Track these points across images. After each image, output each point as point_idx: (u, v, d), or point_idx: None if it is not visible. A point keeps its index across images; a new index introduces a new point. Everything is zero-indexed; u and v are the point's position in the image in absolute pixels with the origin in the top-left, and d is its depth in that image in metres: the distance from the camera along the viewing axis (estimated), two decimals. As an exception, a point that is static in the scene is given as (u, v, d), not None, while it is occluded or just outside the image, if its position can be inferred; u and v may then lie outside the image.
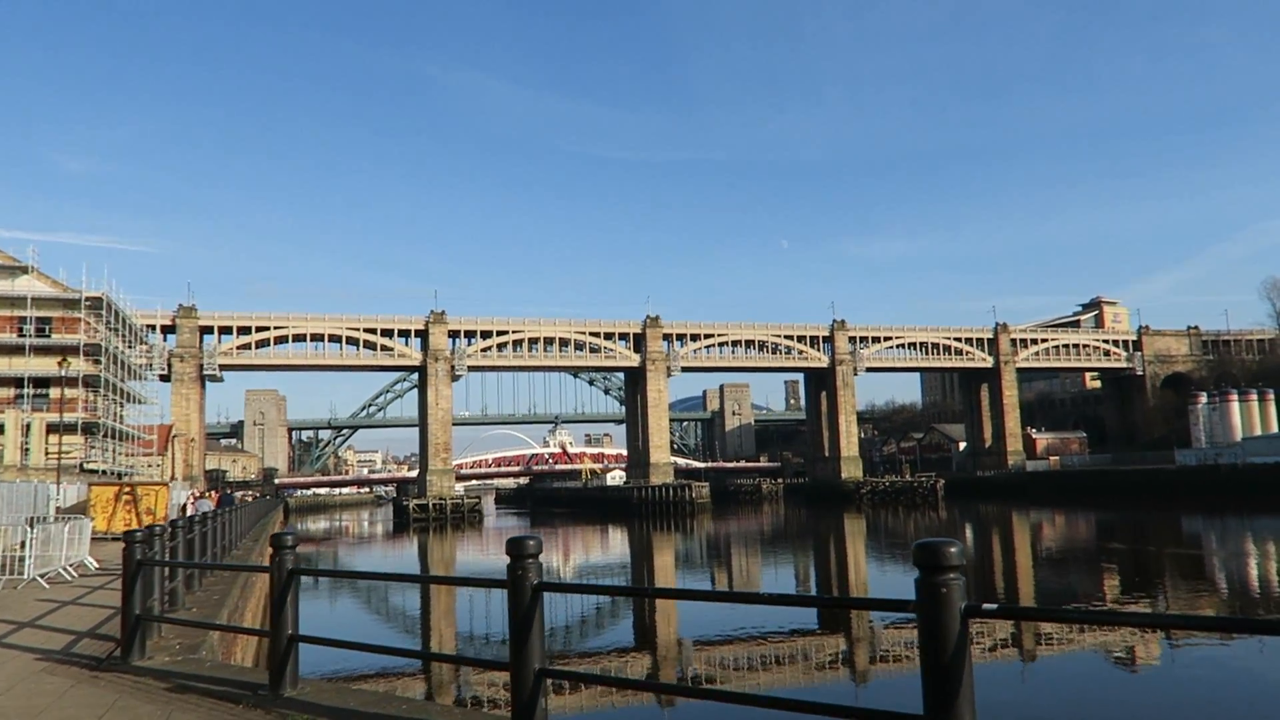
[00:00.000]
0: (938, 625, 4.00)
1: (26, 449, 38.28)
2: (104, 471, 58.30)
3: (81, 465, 57.24)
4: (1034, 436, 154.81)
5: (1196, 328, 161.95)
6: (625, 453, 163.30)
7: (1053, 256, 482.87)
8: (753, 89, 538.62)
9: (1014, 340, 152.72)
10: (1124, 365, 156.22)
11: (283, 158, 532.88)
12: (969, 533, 77.71)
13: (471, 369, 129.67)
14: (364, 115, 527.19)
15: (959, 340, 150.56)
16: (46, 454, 56.38)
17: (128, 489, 28.75)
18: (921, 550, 4.11)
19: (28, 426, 44.57)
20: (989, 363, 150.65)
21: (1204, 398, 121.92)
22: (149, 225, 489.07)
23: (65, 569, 18.85)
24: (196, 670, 8.83)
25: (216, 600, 14.89)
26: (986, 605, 4.13)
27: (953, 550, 4.06)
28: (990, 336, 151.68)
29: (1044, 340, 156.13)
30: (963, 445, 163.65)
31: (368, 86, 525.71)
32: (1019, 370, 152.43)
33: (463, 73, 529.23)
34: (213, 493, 46.74)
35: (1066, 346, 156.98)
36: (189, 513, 25.46)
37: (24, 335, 57.96)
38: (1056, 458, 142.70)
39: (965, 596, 4.06)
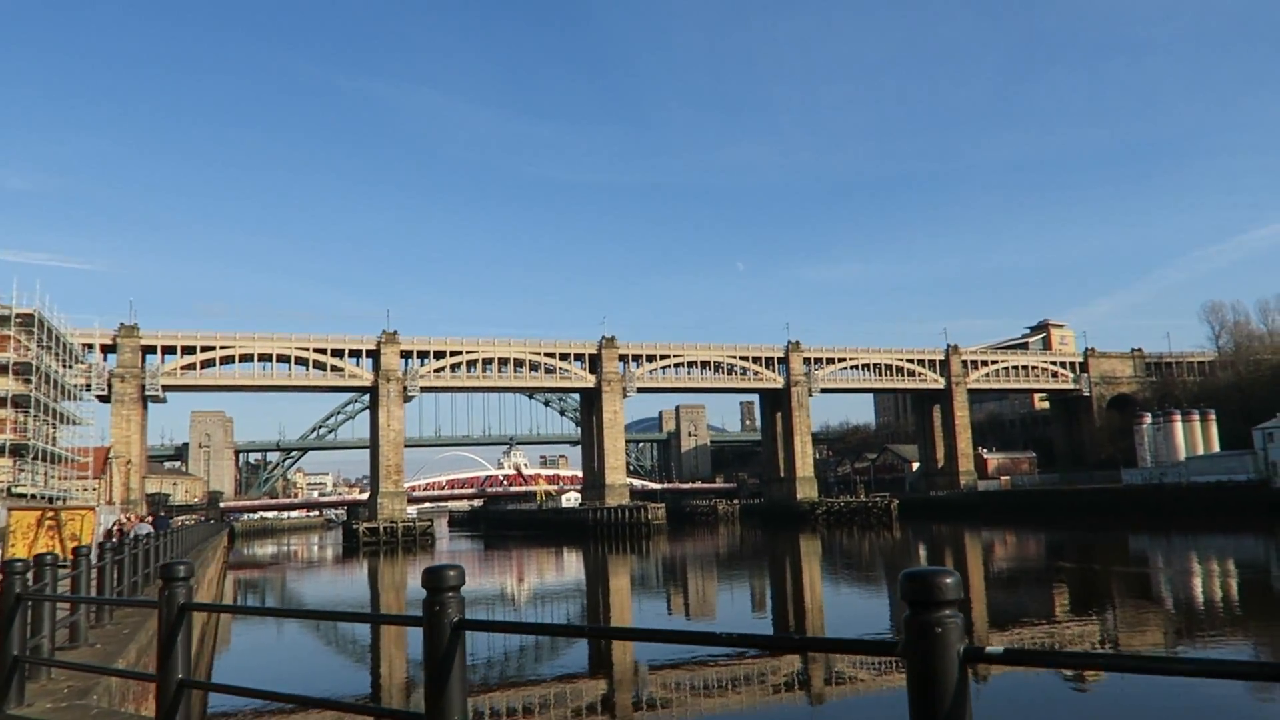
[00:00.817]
0: (931, 672, 3.23)
1: None
2: (34, 496, 55.75)
3: (9, 489, 54.69)
4: (985, 457, 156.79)
5: (1140, 350, 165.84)
6: (581, 474, 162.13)
7: (1001, 280, 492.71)
8: (709, 114, 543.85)
9: (965, 362, 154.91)
10: (1071, 386, 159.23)
11: (233, 176, 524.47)
12: (923, 551, 78.12)
13: (424, 389, 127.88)
14: (317, 135, 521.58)
15: (912, 362, 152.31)
16: (-28, 478, 53.86)
17: (51, 514, 27.01)
18: (911, 582, 3.32)
19: None
20: (941, 384, 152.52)
21: (1149, 418, 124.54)
22: (93, 244, 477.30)
23: None
24: (76, 720, 7.90)
25: (126, 635, 13.30)
26: (990, 649, 3.31)
27: (948, 581, 3.30)
28: (942, 358, 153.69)
29: (994, 362, 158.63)
30: (916, 465, 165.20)
31: (322, 105, 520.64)
32: (970, 391, 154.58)
33: (419, 93, 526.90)
34: (147, 516, 44.99)
35: (1016, 368, 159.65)
36: (119, 538, 23.93)
37: (-52, 353, 55.47)
38: (1007, 477, 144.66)
39: (963, 637, 3.32)
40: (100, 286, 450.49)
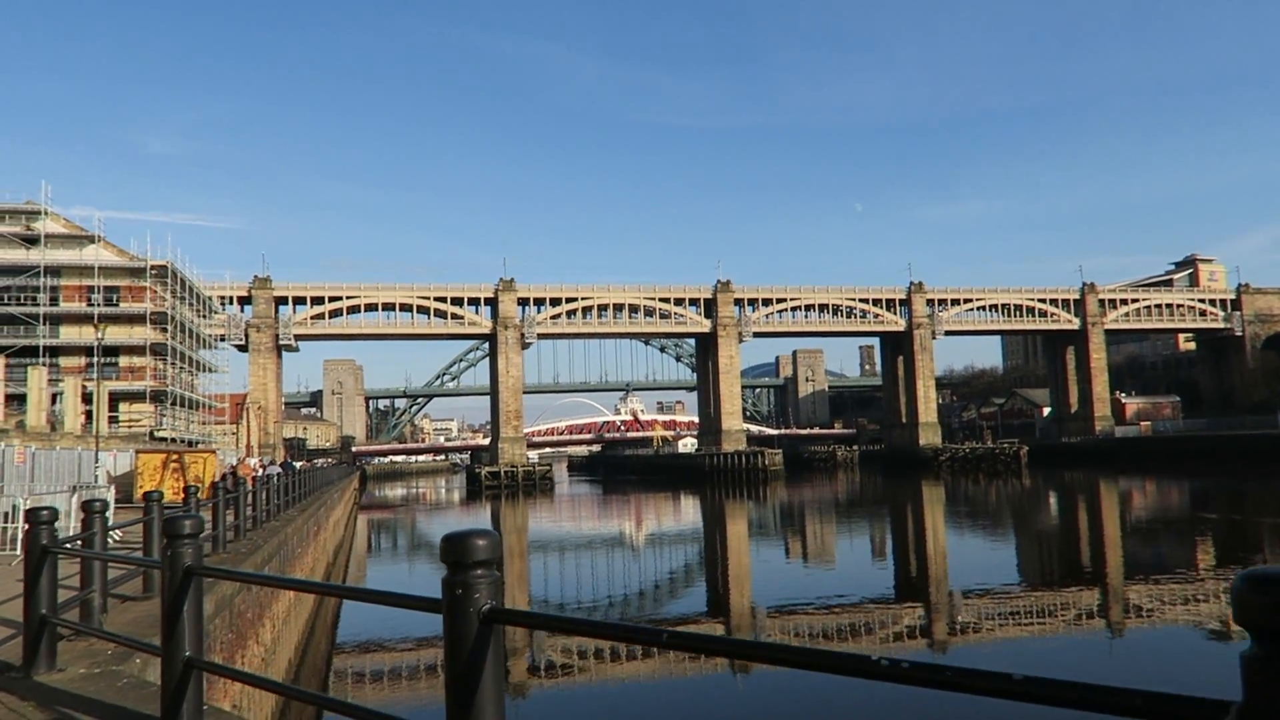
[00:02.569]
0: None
1: (87, 418, 38.82)
2: (174, 439, 59.46)
3: (151, 433, 58.39)
4: (1123, 401, 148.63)
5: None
6: (697, 420, 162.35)
7: (1140, 214, 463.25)
8: (823, 52, 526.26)
9: (1101, 301, 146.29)
10: (1221, 326, 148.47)
11: (354, 133, 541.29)
12: (1053, 500, 74.88)
13: (541, 336, 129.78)
14: (432, 90, 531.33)
15: (1042, 302, 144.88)
16: (117, 421, 57.73)
17: (175, 456, 28.57)
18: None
19: (88, 395, 45.27)
20: (1075, 325, 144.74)
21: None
22: (230, 203, 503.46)
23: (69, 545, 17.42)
24: (97, 691, 6.50)
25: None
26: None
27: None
28: (1076, 297, 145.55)
29: (1134, 301, 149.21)
30: (1047, 411, 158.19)
31: (433, 61, 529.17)
32: (1107, 332, 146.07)
33: (530, 43, 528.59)
34: (270, 461, 47.00)
35: (1158, 307, 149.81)
36: (234, 481, 24.96)
37: (92, 304, 59.26)
38: (1148, 423, 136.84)
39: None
40: (238, 244, 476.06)
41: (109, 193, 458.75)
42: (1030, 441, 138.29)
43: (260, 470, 28.35)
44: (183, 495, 13.63)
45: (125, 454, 32.55)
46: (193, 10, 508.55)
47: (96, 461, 26.23)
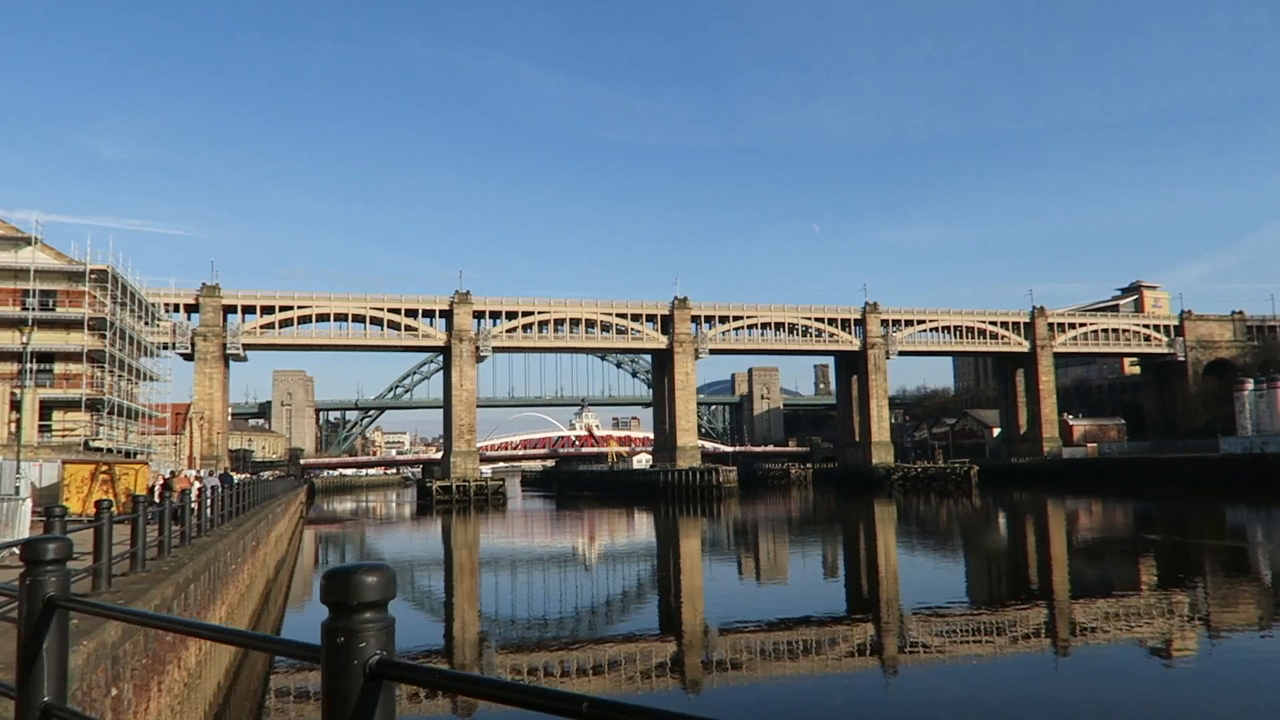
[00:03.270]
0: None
1: (16, 426, 36.81)
2: (111, 450, 57.25)
3: (86, 442, 56.20)
4: (1071, 423, 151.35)
5: (1241, 313, 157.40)
6: (652, 436, 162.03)
7: (1089, 243, 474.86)
8: (784, 75, 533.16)
9: (1051, 325, 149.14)
10: (1165, 351, 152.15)
11: (309, 142, 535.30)
12: (1002, 519, 75.72)
13: (496, 350, 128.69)
14: (392, 101, 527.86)
15: (994, 324, 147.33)
16: (50, 430, 55.39)
17: (105, 467, 27.41)
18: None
19: (17, 402, 43.22)
20: (1025, 347, 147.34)
21: (1250, 384, 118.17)
22: (181, 210, 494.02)
23: None
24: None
25: (121, 602, 10.22)
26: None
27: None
28: (1026, 320, 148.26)
29: (1082, 325, 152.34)
30: (997, 431, 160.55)
31: (397, 73, 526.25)
32: (1056, 355, 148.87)
33: (492, 58, 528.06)
34: (203, 473, 45.45)
35: (1105, 331, 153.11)
36: (162, 494, 23.75)
37: (27, 309, 56.87)
38: (1094, 445, 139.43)
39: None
40: (190, 251, 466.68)
41: (58, 196, 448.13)
42: (981, 461, 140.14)
43: (197, 483, 27.29)
44: (95, 509, 12.55)
45: (53, 464, 31.15)
46: (152, 14, 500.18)
47: (17, 472, 24.87)
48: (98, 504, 11.70)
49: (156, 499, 22.29)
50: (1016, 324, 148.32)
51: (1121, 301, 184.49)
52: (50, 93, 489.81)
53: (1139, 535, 57.92)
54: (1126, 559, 45.77)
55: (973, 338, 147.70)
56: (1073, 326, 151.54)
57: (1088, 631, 26.56)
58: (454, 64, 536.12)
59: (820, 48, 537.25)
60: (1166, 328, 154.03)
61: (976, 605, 32.52)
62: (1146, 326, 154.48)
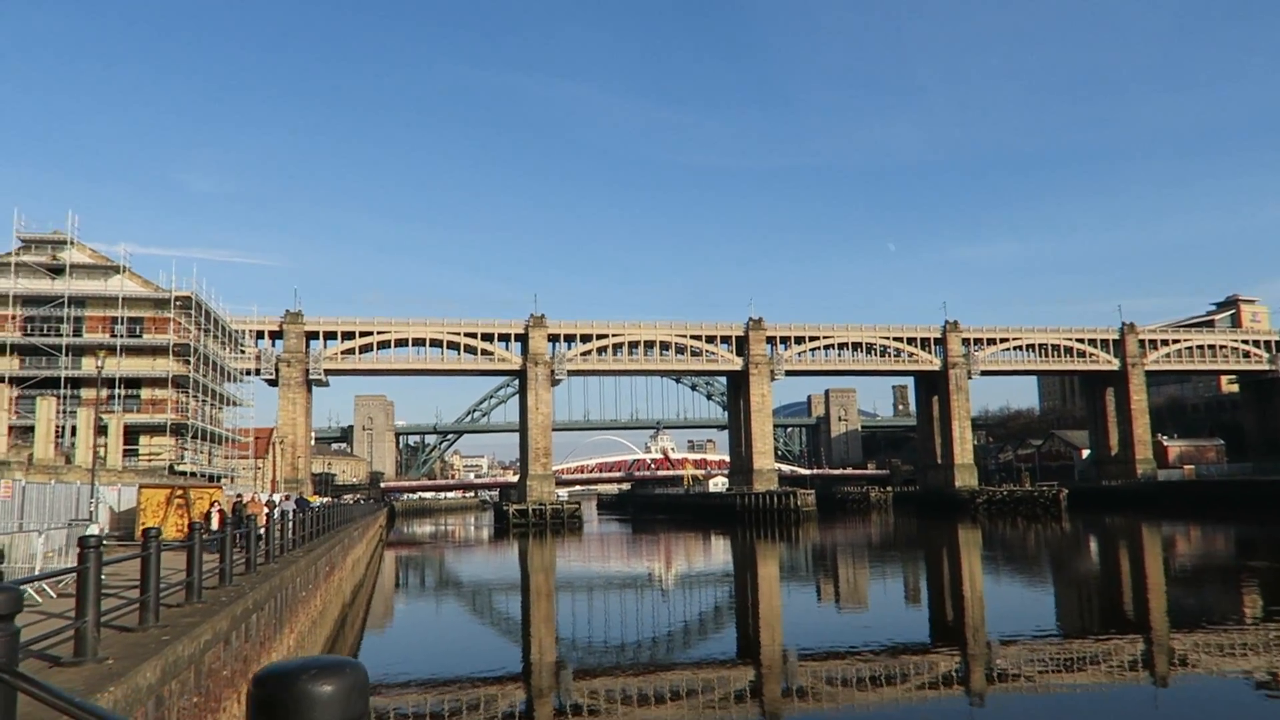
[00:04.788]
0: None
1: (98, 451, 38.03)
2: (195, 474, 59.04)
3: (171, 466, 58.11)
4: (1165, 444, 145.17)
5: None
6: (728, 459, 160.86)
7: (1177, 256, 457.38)
8: (854, 94, 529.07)
9: (1142, 341, 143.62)
10: (1266, 367, 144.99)
11: (389, 171, 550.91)
12: (1094, 545, 72.80)
13: (571, 373, 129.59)
14: (467, 130, 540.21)
15: (1081, 342, 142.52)
16: (136, 455, 57.42)
17: (179, 492, 28.05)
18: None
19: (103, 427, 44.74)
20: (1115, 365, 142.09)
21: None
22: (268, 240, 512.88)
23: (44, 587, 14.09)
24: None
25: (165, 641, 9.60)
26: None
27: None
28: (1115, 338, 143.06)
29: (1175, 341, 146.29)
30: (1086, 453, 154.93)
31: (470, 101, 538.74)
32: (1148, 373, 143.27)
33: (561, 84, 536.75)
34: (271, 497, 46.25)
35: (1200, 348, 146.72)
36: (220, 518, 23.82)
37: (116, 335, 59.31)
38: (1191, 467, 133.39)
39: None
40: (275, 280, 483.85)
41: (152, 229, 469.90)
42: (1069, 484, 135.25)
43: (267, 509, 27.75)
44: (185, 531, 12.49)
45: (131, 488, 32.19)
46: (237, 48, 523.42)
47: (93, 496, 25.72)
48: (145, 531, 10.88)
49: (215, 524, 22.22)
50: (1105, 341, 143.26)
51: (1217, 316, 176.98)
52: (144, 129, 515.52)
53: (1241, 562, 55.00)
54: (1228, 587, 43.46)
55: (1058, 356, 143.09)
56: (1165, 343, 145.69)
57: (1187, 663, 25.26)
58: (525, 91, 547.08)
59: (890, 65, 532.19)
60: (1267, 343, 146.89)
61: (1067, 634, 31.20)
62: (1245, 342, 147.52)
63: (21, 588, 13.37)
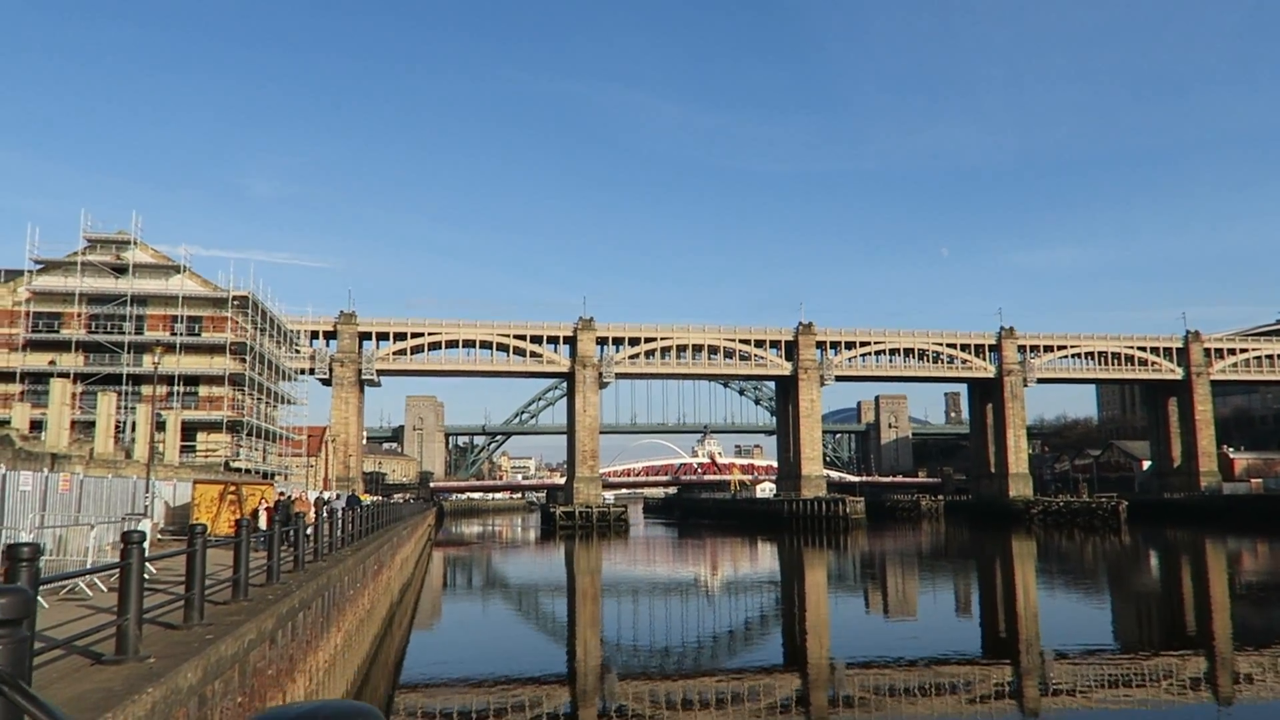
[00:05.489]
0: None
1: (153, 447, 38.81)
2: (249, 471, 60.23)
3: (227, 463, 59.34)
4: (1231, 456, 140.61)
5: None
6: (775, 464, 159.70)
7: (1246, 262, 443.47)
8: (907, 96, 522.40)
9: (1207, 350, 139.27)
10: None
11: (445, 175, 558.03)
12: (1155, 559, 70.66)
13: (619, 376, 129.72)
14: (522, 134, 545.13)
15: (1142, 350, 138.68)
16: (193, 451, 58.76)
17: (233, 488, 28.43)
18: None
19: (161, 424, 45.67)
20: (1178, 374, 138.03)
21: None
22: (326, 243, 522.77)
23: (95, 581, 14.07)
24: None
25: (209, 640, 9.48)
26: None
27: None
28: (1179, 346, 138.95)
29: (1243, 350, 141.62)
30: (1147, 464, 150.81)
31: (520, 106, 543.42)
32: (1213, 383, 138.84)
33: (612, 89, 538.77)
34: (320, 495, 46.78)
35: (1269, 357, 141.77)
36: (269, 514, 23.75)
37: (176, 333, 60.84)
38: (1259, 480, 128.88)
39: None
40: (330, 282, 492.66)
41: (215, 232, 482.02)
42: (1129, 496, 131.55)
43: (312, 508, 27.92)
44: (234, 528, 12.37)
45: (186, 484, 32.77)
46: (300, 56, 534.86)
47: (148, 491, 26.16)
48: (190, 528, 10.75)
49: (264, 522, 22.21)
50: (1168, 349, 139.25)
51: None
52: (210, 135, 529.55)
53: (1314, 580, 52.85)
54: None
55: (1119, 364, 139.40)
56: (1232, 352, 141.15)
57: (1253, 682, 24.25)
58: (577, 97, 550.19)
59: (947, 68, 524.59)
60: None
61: (1126, 650, 30.20)
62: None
63: (74, 582, 13.68)
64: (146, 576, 16.19)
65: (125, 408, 53.33)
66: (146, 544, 17.78)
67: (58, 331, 61.02)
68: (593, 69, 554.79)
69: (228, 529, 26.77)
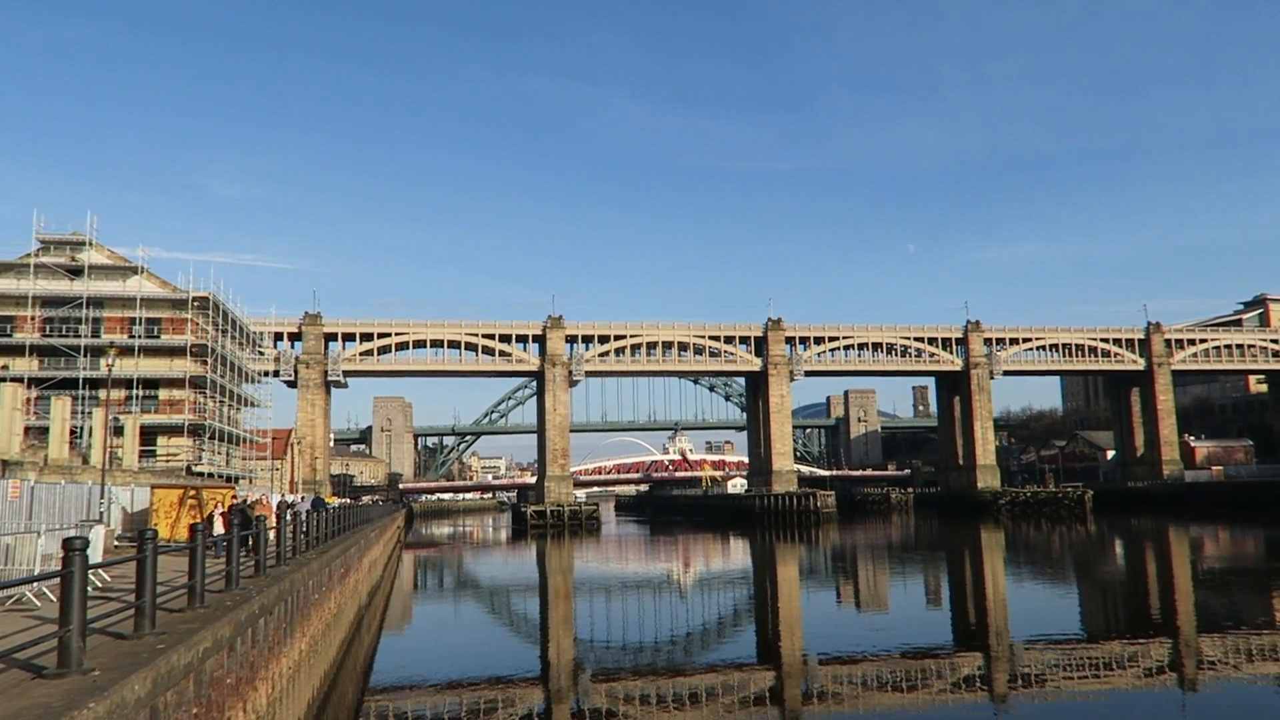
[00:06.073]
0: None
1: (120, 451, 37.71)
2: (212, 475, 59.05)
3: (189, 467, 58.16)
4: (1193, 445, 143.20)
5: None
6: (746, 460, 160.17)
7: (1204, 256, 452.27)
8: (872, 96, 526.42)
9: (1168, 341, 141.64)
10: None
11: (407, 174, 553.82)
12: (1120, 547, 71.67)
13: (589, 374, 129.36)
14: (487, 133, 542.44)
15: (1105, 341, 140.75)
16: (153, 455, 57.43)
17: (192, 492, 27.80)
18: None
19: (119, 428, 44.58)
20: (1140, 365, 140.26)
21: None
22: (290, 245, 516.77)
23: (44, 590, 13.78)
24: None
25: (160, 650, 9.08)
26: None
27: None
28: (1141, 337, 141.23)
29: (1202, 341, 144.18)
30: (1111, 454, 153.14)
31: (487, 106, 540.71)
32: (1174, 373, 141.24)
33: (579, 89, 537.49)
34: (283, 498, 46.01)
35: (1228, 347, 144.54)
36: (225, 519, 23.18)
37: (134, 336, 59.44)
38: (1219, 468, 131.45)
39: None
40: (295, 284, 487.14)
41: (177, 234, 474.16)
42: (1094, 486, 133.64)
43: (278, 510, 27.31)
44: (189, 533, 11.89)
45: (144, 489, 31.99)
46: (258, 54, 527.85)
47: (104, 496, 25.44)
48: (140, 534, 10.21)
49: (219, 527, 21.62)
50: (1130, 341, 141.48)
51: (1245, 316, 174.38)
52: (168, 136, 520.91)
53: (1272, 565, 53.92)
54: (1259, 590, 42.55)
55: (1083, 356, 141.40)
56: (1192, 343, 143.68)
57: (1217, 666, 24.63)
58: (543, 95, 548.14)
59: (910, 68, 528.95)
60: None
61: (1094, 637, 30.52)
62: (1274, 341, 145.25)
63: (20, 591, 13.22)
64: (98, 585, 15.91)
65: (82, 412, 52.04)
66: (99, 551, 17.32)
67: (10, 335, 59.35)
68: (560, 68, 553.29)
69: (188, 535, 26.03)
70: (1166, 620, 34.27)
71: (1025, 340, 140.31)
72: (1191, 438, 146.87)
